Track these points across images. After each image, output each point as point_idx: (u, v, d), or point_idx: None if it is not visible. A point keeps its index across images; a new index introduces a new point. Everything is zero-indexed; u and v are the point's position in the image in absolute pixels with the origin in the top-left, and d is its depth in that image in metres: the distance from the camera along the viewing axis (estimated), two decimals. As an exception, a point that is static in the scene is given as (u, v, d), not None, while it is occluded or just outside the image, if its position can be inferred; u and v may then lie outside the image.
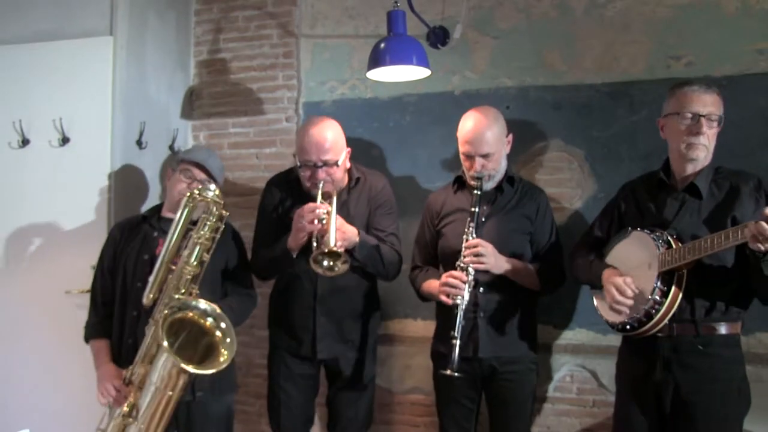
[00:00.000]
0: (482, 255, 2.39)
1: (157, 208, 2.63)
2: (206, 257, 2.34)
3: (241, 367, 3.25)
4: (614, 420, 2.36)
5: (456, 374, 2.34)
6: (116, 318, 2.51)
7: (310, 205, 2.42)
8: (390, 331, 3.12)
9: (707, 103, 2.13)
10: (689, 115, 2.14)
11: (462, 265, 2.40)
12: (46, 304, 2.95)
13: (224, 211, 2.36)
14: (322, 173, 2.50)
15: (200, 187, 2.36)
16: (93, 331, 2.54)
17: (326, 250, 2.33)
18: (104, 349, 2.51)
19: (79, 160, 2.97)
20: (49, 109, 2.98)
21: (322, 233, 2.39)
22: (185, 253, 2.32)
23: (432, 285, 2.54)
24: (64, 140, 2.98)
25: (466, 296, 2.38)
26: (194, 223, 2.36)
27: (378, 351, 2.83)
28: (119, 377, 2.37)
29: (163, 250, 2.33)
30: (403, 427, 3.14)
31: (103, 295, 2.55)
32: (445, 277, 2.43)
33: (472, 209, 2.45)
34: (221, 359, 2.21)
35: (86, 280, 2.83)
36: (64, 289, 2.92)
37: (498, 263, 2.44)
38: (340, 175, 2.58)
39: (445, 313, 2.50)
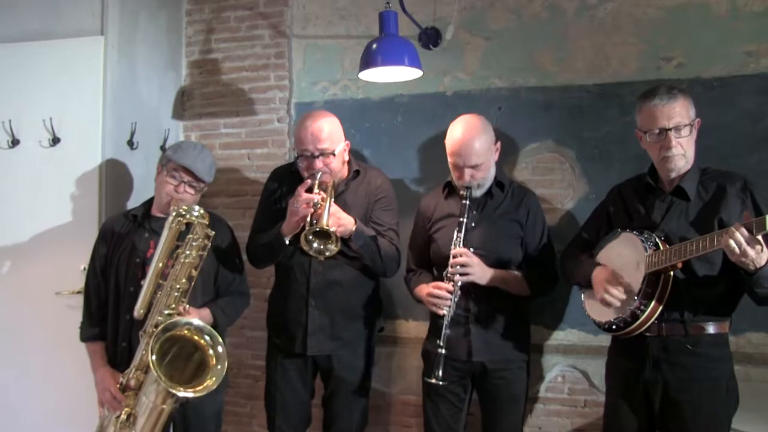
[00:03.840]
0: (468, 266, 2.41)
1: (148, 205, 2.62)
2: (194, 273, 2.37)
3: (232, 367, 3.24)
4: (604, 418, 2.37)
5: (441, 383, 2.37)
6: (110, 321, 2.52)
7: (306, 191, 2.43)
8: (383, 332, 3.11)
9: (672, 115, 2.12)
10: (656, 131, 2.15)
11: (448, 275, 2.42)
12: (36, 305, 2.93)
13: (209, 231, 2.38)
14: (318, 163, 2.52)
15: (185, 207, 2.38)
16: (88, 333, 2.55)
17: (317, 229, 2.33)
18: (99, 352, 2.53)
19: (70, 161, 2.96)
20: (40, 109, 2.96)
21: (316, 218, 2.39)
22: (174, 271, 2.34)
23: (423, 290, 2.55)
24: (55, 140, 2.96)
25: (453, 306, 2.40)
26: (184, 234, 2.38)
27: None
28: (116, 381, 2.39)
29: (151, 268, 2.35)
30: (395, 427, 3.14)
31: (97, 297, 2.55)
32: (432, 288, 2.45)
33: (460, 219, 2.46)
34: (211, 376, 2.25)
35: (77, 281, 2.83)
36: (54, 290, 2.90)
37: (484, 274, 2.44)
38: (338, 166, 2.59)
39: (437, 313, 2.49)
